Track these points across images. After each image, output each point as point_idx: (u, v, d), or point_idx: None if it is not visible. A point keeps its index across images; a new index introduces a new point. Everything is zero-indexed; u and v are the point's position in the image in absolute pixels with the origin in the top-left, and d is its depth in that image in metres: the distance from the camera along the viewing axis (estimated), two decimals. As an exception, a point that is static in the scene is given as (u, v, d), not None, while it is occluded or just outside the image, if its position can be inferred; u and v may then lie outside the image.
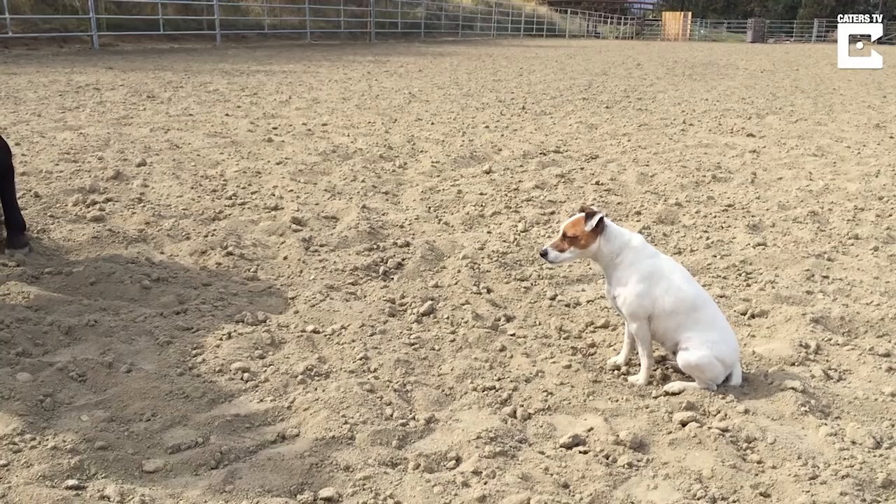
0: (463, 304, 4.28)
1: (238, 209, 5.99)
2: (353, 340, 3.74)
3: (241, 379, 3.30)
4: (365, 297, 4.36)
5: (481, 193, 6.80)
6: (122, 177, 6.74)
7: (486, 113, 12.20)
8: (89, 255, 4.77)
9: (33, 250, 4.75)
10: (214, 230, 5.36)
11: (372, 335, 3.81)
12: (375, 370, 3.45)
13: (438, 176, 7.48)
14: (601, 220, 3.24)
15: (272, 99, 12.86)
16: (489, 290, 4.54)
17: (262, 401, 3.13)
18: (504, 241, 5.47)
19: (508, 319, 4.16)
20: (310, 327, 3.88)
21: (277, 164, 7.63)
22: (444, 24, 43.97)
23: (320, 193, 6.53)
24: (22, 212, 5.58)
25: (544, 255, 3.31)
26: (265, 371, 3.39)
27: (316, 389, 3.22)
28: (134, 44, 24.17)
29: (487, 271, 4.82)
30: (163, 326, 3.77)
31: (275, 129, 9.75)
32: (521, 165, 8.09)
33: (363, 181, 7.00)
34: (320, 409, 3.03)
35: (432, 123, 10.80)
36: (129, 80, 14.90)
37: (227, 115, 10.83)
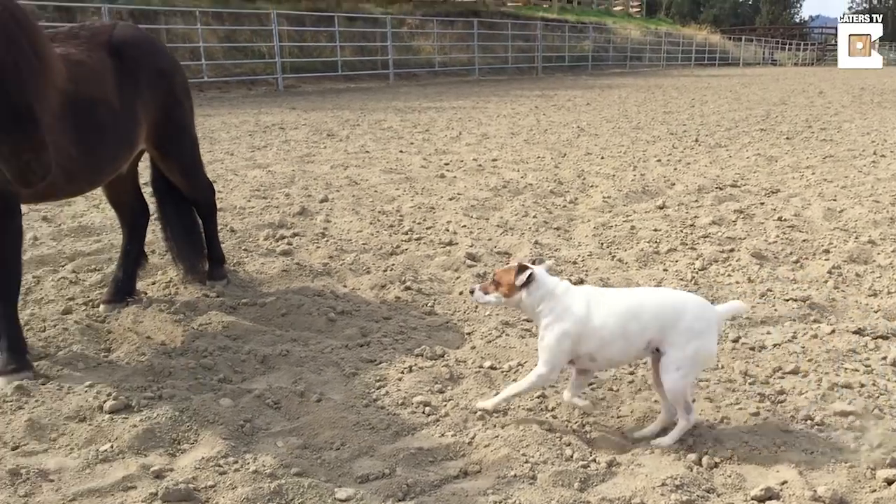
0: (640, 345, 4.19)
1: (414, 244, 6.18)
2: (530, 378, 3.75)
3: (423, 412, 3.39)
4: (540, 334, 4.37)
5: (655, 229, 6.66)
6: (307, 212, 7.14)
7: (657, 146, 11.97)
8: (279, 287, 5.07)
9: (231, 282, 5.11)
10: (393, 265, 5.56)
11: (548, 373, 3.81)
12: (553, 409, 3.45)
13: (610, 211, 7.41)
14: (531, 276, 3.24)
15: (443, 135, 13.22)
16: (667, 331, 4.42)
17: (443, 435, 3.20)
18: (681, 279, 5.32)
19: (689, 361, 4.03)
20: (487, 363, 3.93)
21: (450, 199, 7.82)
22: (612, 56, 43.62)
23: (493, 229, 6.63)
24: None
25: (472, 292, 3.44)
26: (445, 405, 3.47)
27: (495, 426, 3.26)
28: (314, 84, 25.60)
29: (665, 311, 4.70)
30: (348, 358, 3.95)
31: (447, 164, 10.01)
32: (696, 200, 7.86)
33: (534, 217, 7.04)
34: (500, 446, 3.06)
35: (602, 157, 10.73)
36: (311, 120, 15.78)
37: (401, 151, 11.23)
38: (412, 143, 12.17)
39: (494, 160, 10.36)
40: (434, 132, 13.68)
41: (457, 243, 6.17)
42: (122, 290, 4.65)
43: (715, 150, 11.49)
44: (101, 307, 4.55)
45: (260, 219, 6.90)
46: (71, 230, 6.31)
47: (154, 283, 5.11)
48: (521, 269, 3.28)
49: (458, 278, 5.30)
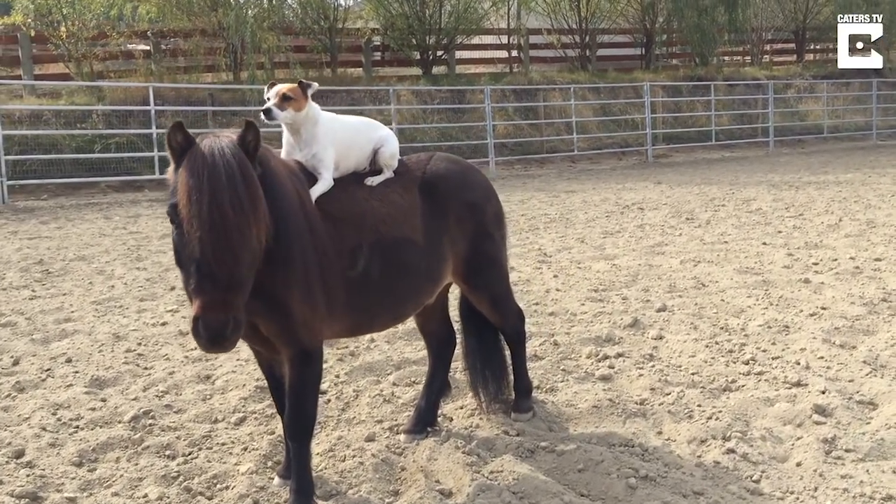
0: None
1: (753, 380, 5.35)
2: None
3: None
4: (896, 546, 3.40)
5: None
6: (639, 325, 6.63)
7: None
8: (585, 429, 4.64)
9: (536, 415, 4.81)
10: (720, 410, 4.81)
11: None
12: None
13: None
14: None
15: (819, 221, 11.76)
16: None
17: None
18: None
19: None
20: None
21: (810, 315, 6.75)
22: None
23: (856, 365, 5.51)
24: (539, 361, 5.82)
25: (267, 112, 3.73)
26: None
27: None
28: (686, 154, 24.80)
29: None
30: (637, 549, 3.39)
31: (815, 264, 8.78)
32: None
33: (920, 351, 5.74)
34: None
35: None
36: (673, 198, 15.17)
37: (763, 243, 10.16)
38: (780, 232, 10.98)
39: (877, 260, 8.84)
40: (809, 217, 12.26)
41: (806, 384, 5.20)
42: (423, 421, 4.58)
43: None
44: (402, 437, 4.53)
45: (588, 329, 6.54)
46: (405, 333, 6.50)
47: (462, 408, 4.99)
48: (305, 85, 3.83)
49: (798, 440, 4.40)
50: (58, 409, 4.95)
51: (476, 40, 27.29)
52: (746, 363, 5.67)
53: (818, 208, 13.14)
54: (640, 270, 8.79)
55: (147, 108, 17.90)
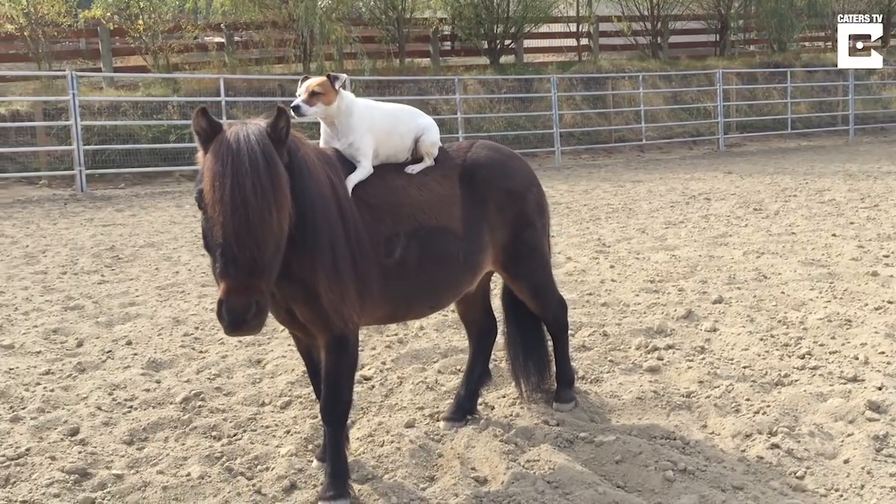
0: None
1: (807, 375, 5.19)
2: None
3: None
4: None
5: None
6: (693, 317, 6.50)
7: None
8: (627, 420, 4.59)
9: (578, 405, 4.77)
10: (769, 404, 4.69)
11: None
12: None
13: None
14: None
15: (895, 213, 11.30)
16: None
17: None
18: None
19: None
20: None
21: (875, 309, 6.51)
22: None
23: (919, 362, 5.30)
24: (586, 352, 5.77)
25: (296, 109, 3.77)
26: None
27: None
28: (761, 143, 24.10)
29: None
30: (667, 542, 3.34)
31: (886, 256, 8.45)
32: None
33: None
34: None
35: None
36: (742, 188, 14.79)
37: (833, 234, 9.82)
38: (852, 223, 10.59)
39: (954, 253, 8.48)
40: (885, 208, 11.78)
41: (863, 380, 5.02)
42: (463, 409, 4.60)
43: None
44: (441, 424, 4.55)
45: (640, 320, 6.45)
46: (455, 321, 6.50)
47: (504, 397, 4.99)
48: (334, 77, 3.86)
49: (848, 436, 4.26)
50: (114, 390, 5.15)
51: (544, 28, 27.04)
52: (802, 357, 5.51)
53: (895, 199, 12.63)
54: (700, 262, 8.61)
55: (219, 99, 18.32)
